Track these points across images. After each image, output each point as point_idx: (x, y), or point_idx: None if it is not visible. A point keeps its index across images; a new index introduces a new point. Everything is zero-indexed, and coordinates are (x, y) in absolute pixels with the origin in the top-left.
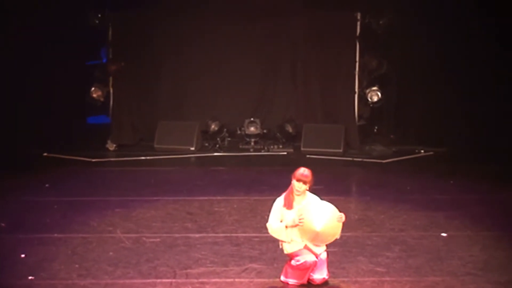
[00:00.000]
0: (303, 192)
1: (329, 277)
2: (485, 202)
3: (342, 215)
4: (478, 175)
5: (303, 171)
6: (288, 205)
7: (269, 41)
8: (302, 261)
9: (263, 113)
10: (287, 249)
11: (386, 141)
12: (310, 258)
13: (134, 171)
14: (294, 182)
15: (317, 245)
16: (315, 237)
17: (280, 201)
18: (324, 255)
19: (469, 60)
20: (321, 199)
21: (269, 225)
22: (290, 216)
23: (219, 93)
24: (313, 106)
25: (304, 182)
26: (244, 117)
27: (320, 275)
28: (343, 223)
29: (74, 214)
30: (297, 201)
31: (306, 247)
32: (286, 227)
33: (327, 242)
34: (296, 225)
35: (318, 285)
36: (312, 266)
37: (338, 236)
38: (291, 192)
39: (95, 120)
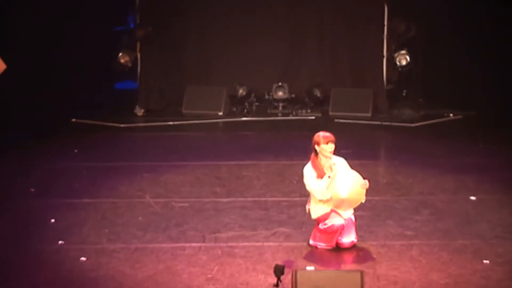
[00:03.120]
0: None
1: (358, 241)
2: None
3: (366, 182)
4: (508, 138)
5: (325, 133)
6: (319, 174)
7: (297, 4)
8: (329, 224)
9: (291, 78)
10: (314, 214)
11: (415, 105)
12: (338, 221)
13: (162, 136)
14: (323, 146)
15: (343, 211)
16: (340, 204)
17: (310, 169)
18: (352, 218)
19: (500, 21)
20: (349, 163)
21: (314, 187)
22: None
23: (247, 58)
24: (341, 70)
25: (332, 141)
26: (272, 81)
27: (349, 238)
28: (368, 189)
29: (103, 179)
30: (325, 165)
31: (333, 211)
32: (329, 176)
33: (352, 207)
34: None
35: (346, 248)
36: (340, 230)
37: (363, 200)
38: (315, 158)
39: (123, 85)
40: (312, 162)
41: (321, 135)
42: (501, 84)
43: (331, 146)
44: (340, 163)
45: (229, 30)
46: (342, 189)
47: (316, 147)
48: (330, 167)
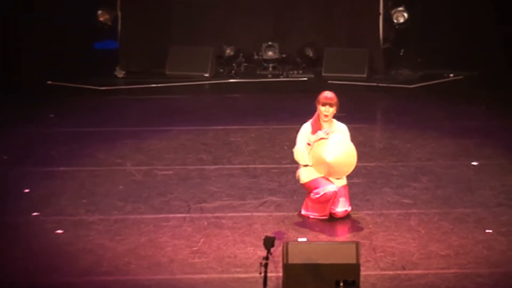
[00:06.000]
0: (331, 118)
1: (352, 210)
2: None
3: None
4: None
5: (327, 93)
6: (315, 131)
7: None
8: (321, 193)
9: (281, 37)
10: (303, 178)
11: (413, 65)
12: (330, 188)
13: (144, 99)
14: (320, 107)
15: (337, 178)
16: (330, 170)
17: (307, 127)
18: (345, 187)
19: None
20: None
21: (296, 148)
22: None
23: (235, 16)
24: (335, 28)
25: (330, 105)
26: (261, 41)
27: (342, 207)
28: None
29: (81, 146)
30: (325, 127)
31: (324, 178)
32: (309, 144)
33: (346, 173)
34: (320, 139)
35: (340, 218)
36: (333, 197)
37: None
38: (318, 118)
39: (103, 45)
40: (313, 118)
41: (322, 95)
42: (504, 42)
43: (325, 109)
44: (341, 130)
45: None
46: (329, 153)
47: (317, 105)
48: (327, 133)
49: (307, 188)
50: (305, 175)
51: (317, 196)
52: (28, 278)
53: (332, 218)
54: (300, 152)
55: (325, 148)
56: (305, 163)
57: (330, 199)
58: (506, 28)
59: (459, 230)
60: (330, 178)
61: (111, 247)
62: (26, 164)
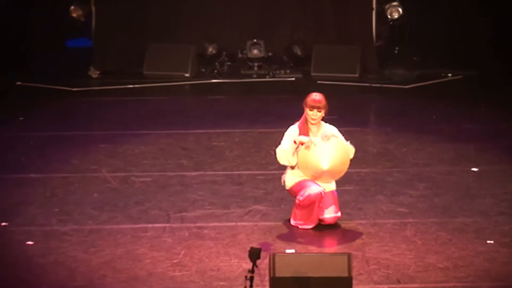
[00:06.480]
0: (319, 121)
1: (344, 219)
2: None
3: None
4: None
5: (315, 96)
6: (302, 134)
7: None
8: (305, 194)
9: (267, 34)
10: (289, 183)
11: (408, 63)
12: (314, 189)
13: (121, 101)
14: (307, 111)
15: (324, 183)
16: (321, 176)
17: (293, 129)
18: (333, 191)
19: None
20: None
21: (280, 147)
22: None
23: (217, 11)
24: (325, 24)
25: (319, 109)
26: (246, 38)
27: (331, 213)
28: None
29: (53, 151)
30: (313, 131)
31: (309, 180)
32: (295, 142)
33: (335, 179)
34: (302, 143)
35: (331, 228)
36: (318, 199)
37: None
38: (305, 121)
39: (76, 43)
40: (301, 121)
41: (310, 98)
42: (506, 39)
43: (313, 113)
44: (332, 133)
45: None
46: (324, 160)
47: (304, 107)
48: (324, 136)
49: (293, 194)
50: (290, 180)
51: (301, 198)
52: None
53: (322, 228)
54: (284, 150)
55: (320, 154)
56: (287, 163)
57: (315, 201)
58: (506, 23)
59: (458, 241)
60: (318, 182)
61: (85, 259)
62: None
